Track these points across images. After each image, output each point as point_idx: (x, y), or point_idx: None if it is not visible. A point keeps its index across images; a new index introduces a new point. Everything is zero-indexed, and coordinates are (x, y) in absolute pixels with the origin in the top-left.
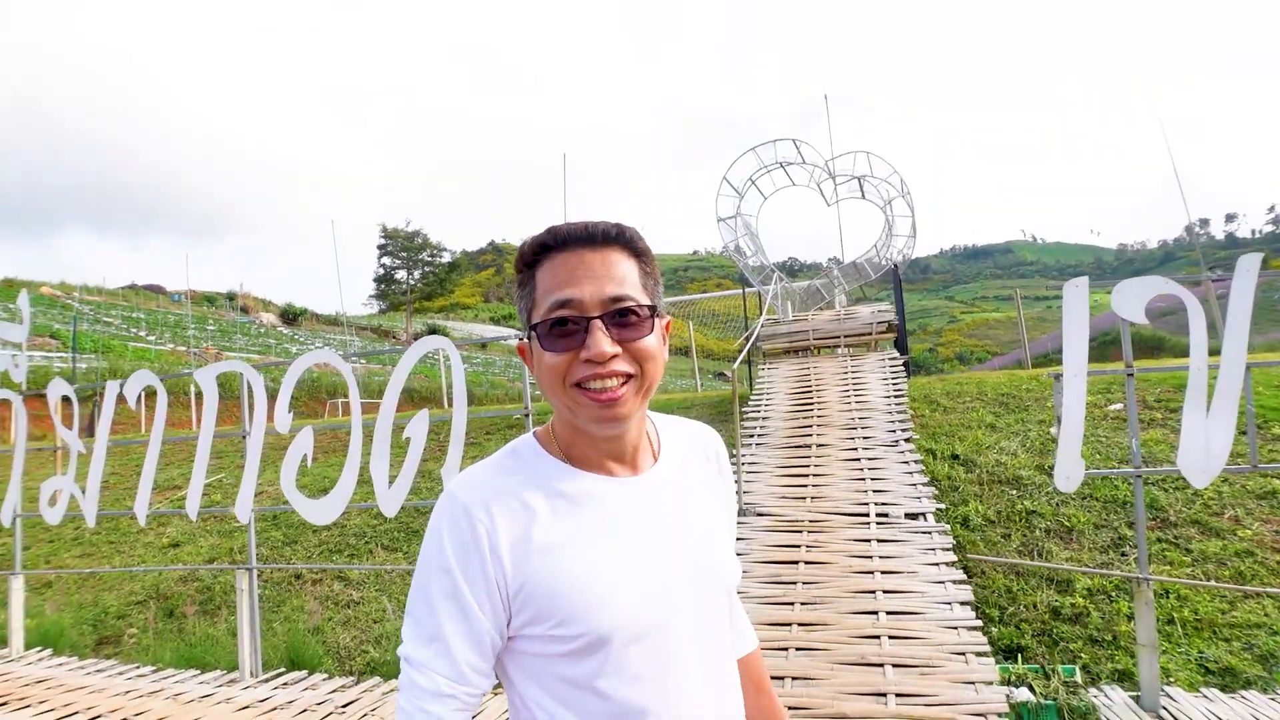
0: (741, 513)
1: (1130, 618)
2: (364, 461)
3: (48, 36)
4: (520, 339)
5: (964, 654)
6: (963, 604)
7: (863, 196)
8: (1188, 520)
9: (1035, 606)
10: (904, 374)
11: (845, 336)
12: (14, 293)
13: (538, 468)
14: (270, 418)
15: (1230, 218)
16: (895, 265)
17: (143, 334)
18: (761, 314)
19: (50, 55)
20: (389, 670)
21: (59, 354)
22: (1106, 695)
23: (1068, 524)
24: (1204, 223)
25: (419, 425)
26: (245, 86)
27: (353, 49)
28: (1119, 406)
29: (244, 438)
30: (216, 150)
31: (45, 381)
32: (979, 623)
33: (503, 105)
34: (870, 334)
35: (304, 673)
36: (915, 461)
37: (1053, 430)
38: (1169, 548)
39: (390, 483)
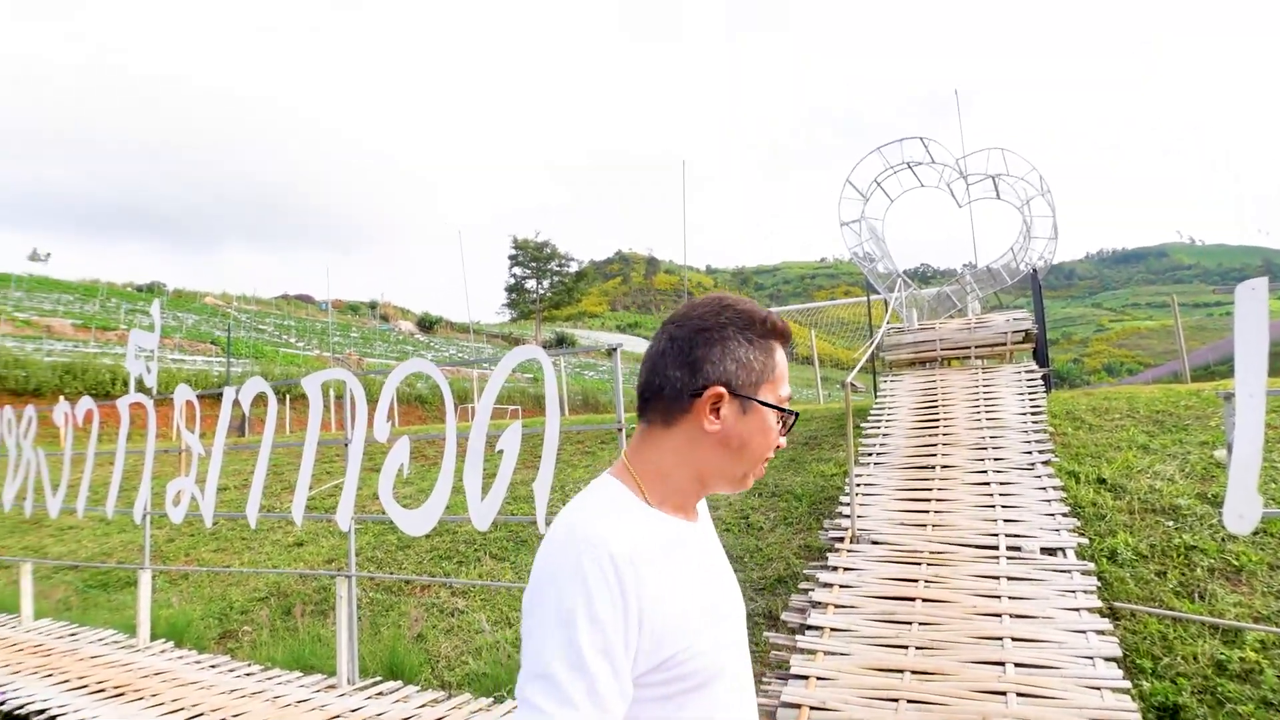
0: (854, 540)
1: None
2: (459, 470)
3: (196, 64)
4: (712, 384)
5: None
6: (1107, 659)
7: (998, 197)
8: None
9: (1196, 659)
10: (1043, 388)
11: (977, 346)
12: (184, 302)
13: (643, 513)
14: (371, 423)
15: None
16: (1034, 270)
17: (293, 340)
18: (885, 321)
19: (190, 84)
20: (482, 686)
21: (218, 359)
22: None
23: (1236, 563)
24: None
25: (512, 437)
26: (382, 104)
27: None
28: None
29: (346, 445)
30: (358, 165)
31: (207, 385)
32: (1127, 684)
33: (617, 110)
34: (1005, 344)
35: (399, 683)
36: (1055, 488)
37: (1217, 454)
38: None
39: (483, 496)
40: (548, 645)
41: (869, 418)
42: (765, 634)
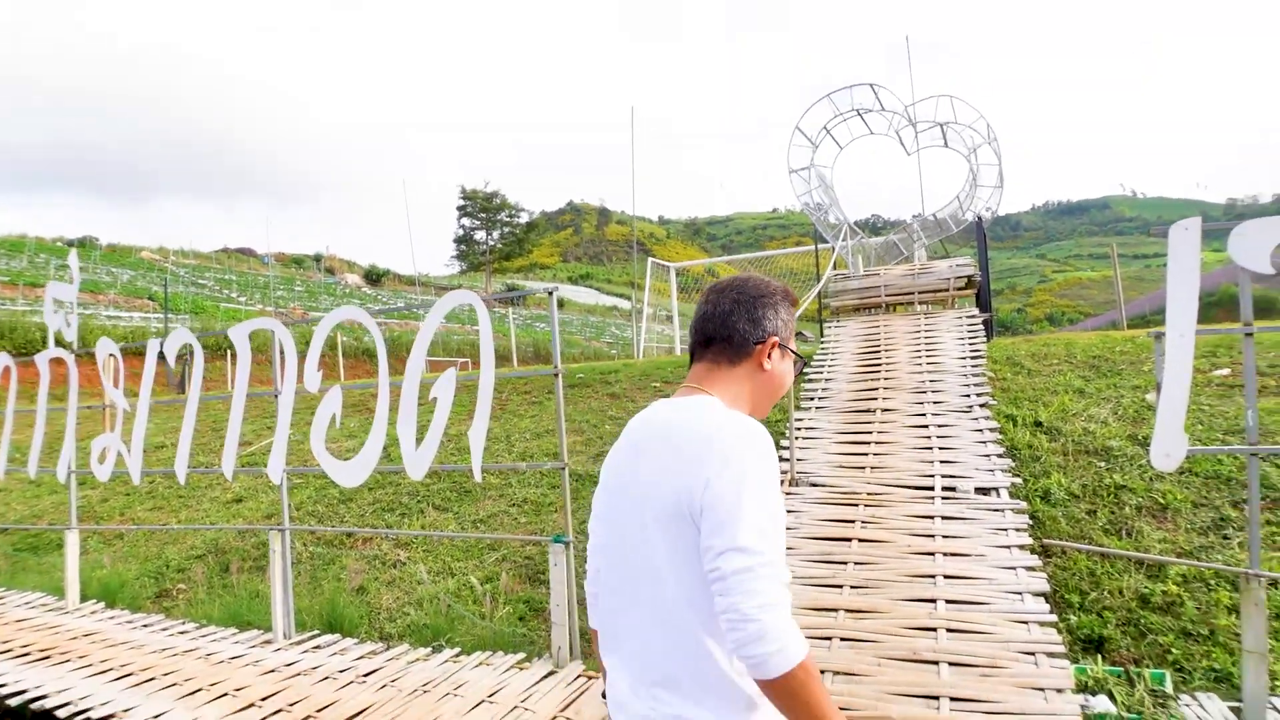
0: (794, 482)
1: (1231, 610)
2: (394, 421)
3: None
4: (769, 336)
5: (1034, 654)
6: (1036, 594)
7: (945, 145)
8: None
9: (1121, 593)
10: (983, 334)
11: (920, 293)
12: (119, 257)
13: None
14: (300, 377)
15: None
16: (979, 217)
17: (234, 295)
18: (830, 267)
19: (136, 21)
20: (422, 637)
21: (156, 315)
22: (1201, 706)
23: (1162, 501)
24: None
25: (446, 386)
26: (333, 59)
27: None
28: (1225, 372)
29: (275, 397)
30: (303, 116)
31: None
32: (1054, 618)
33: (570, 55)
34: (948, 290)
35: (337, 636)
36: (991, 430)
37: (1149, 397)
38: (1274, 515)
39: (417, 445)
40: (752, 502)
41: (813, 363)
42: None
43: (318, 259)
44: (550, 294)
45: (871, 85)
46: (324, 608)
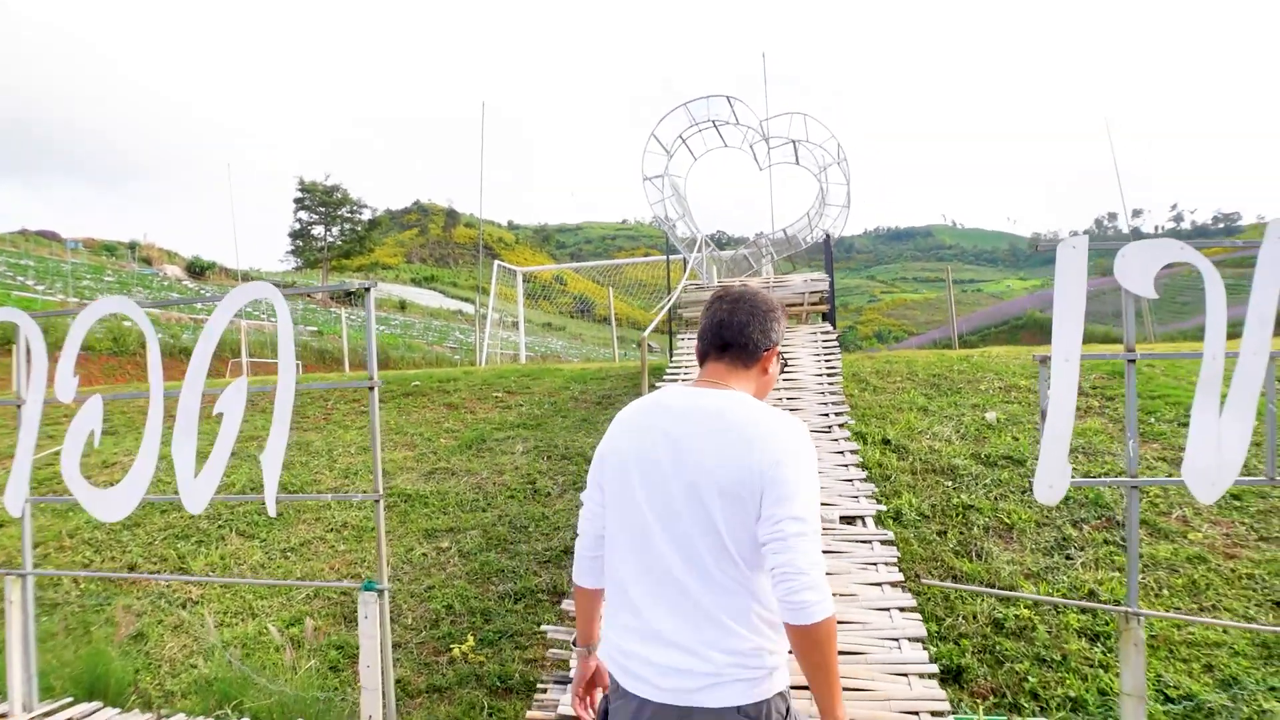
0: None
1: (1081, 634)
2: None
3: None
4: (774, 345)
5: (917, 714)
6: (913, 640)
7: (797, 162)
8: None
9: (976, 618)
10: (838, 350)
11: None
12: None
13: None
14: (51, 381)
15: (1136, 213)
16: (827, 235)
17: (30, 283)
18: (684, 278)
19: None
20: (211, 695)
21: None
22: None
23: (1008, 521)
24: (1112, 216)
25: (234, 399)
26: (157, 31)
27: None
28: (993, 416)
29: (18, 407)
30: (131, 92)
31: None
32: (934, 668)
33: (424, 54)
34: (802, 304)
35: (96, 704)
36: (852, 452)
37: (988, 416)
38: (1116, 550)
39: (196, 471)
40: (806, 480)
41: (664, 376)
42: (544, 627)
43: (133, 247)
44: (366, 290)
45: (728, 98)
46: (83, 665)
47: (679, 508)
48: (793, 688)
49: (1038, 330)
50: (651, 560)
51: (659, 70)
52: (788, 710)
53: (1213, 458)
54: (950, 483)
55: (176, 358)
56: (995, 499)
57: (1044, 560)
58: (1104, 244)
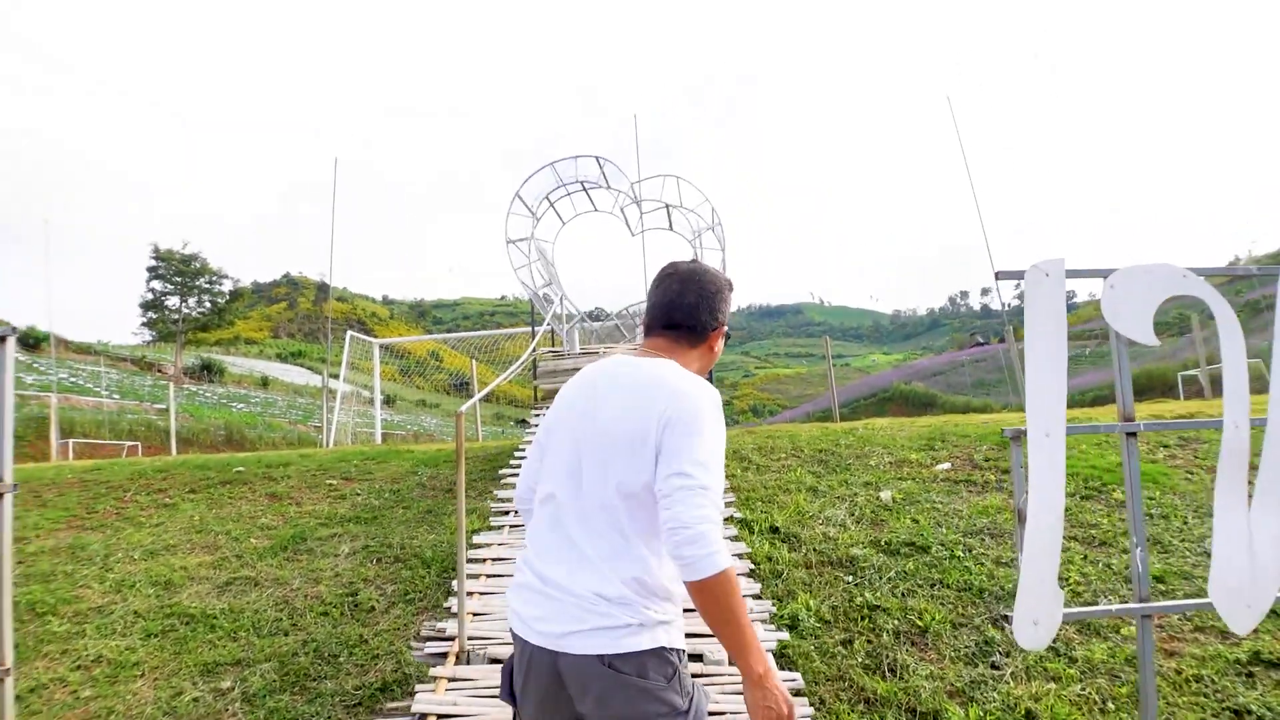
0: (461, 658)
1: None
2: None
3: None
4: (721, 325)
5: None
6: None
7: (670, 228)
8: None
9: None
10: None
11: None
12: None
13: None
14: None
15: (985, 291)
16: None
17: None
18: (533, 345)
19: None
20: None
21: None
22: None
23: (920, 623)
24: (964, 294)
25: None
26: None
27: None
28: (947, 466)
29: None
30: None
31: None
32: None
33: (294, 121)
34: None
35: None
36: (740, 556)
37: (882, 495)
38: (1047, 656)
39: None
40: (706, 444)
41: (513, 461)
42: None
43: None
44: (2, 340)
45: (597, 158)
46: None
47: (585, 461)
48: None
49: (903, 401)
50: (555, 510)
51: (532, 133)
52: (674, 674)
53: (1245, 569)
54: (850, 577)
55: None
56: (903, 595)
57: (968, 672)
58: (879, 345)
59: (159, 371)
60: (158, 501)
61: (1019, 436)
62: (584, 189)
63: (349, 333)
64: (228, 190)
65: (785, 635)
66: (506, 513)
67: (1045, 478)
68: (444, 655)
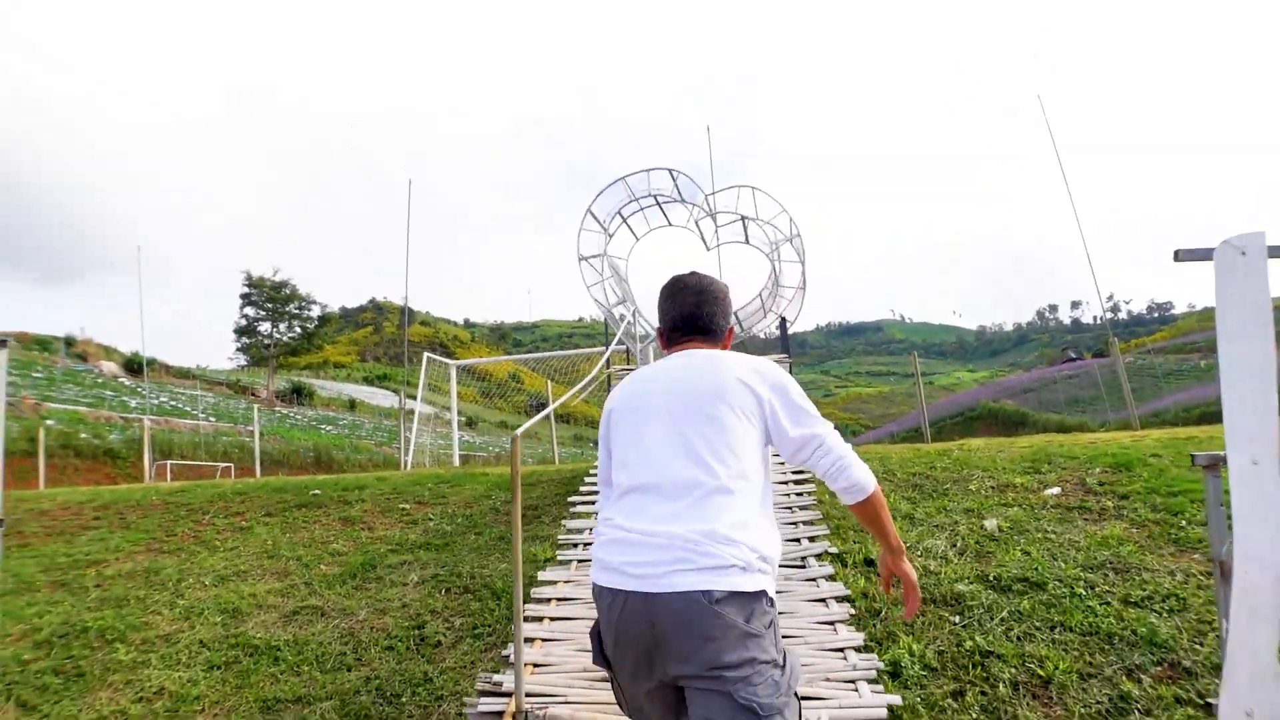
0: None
1: None
2: None
3: None
4: (732, 326)
5: None
6: None
7: (747, 241)
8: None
9: None
10: None
11: None
12: None
13: None
14: None
15: (1075, 304)
16: (783, 319)
17: None
18: (604, 360)
19: None
20: None
21: None
22: None
23: (1040, 672)
24: (1053, 308)
25: None
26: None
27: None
28: (1057, 491)
29: None
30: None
31: None
32: None
33: (387, 158)
34: None
35: None
36: (838, 599)
37: (987, 524)
38: (1195, 715)
39: None
40: (802, 397)
41: (583, 486)
42: None
43: (69, 343)
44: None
45: (670, 170)
46: None
47: (667, 434)
48: None
49: (992, 420)
50: (643, 490)
51: (607, 155)
52: (771, 624)
53: None
54: (957, 618)
55: (100, 459)
56: (1019, 639)
57: None
58: (964, 362)
59: (252, 395)
60: (234, 525)
61: (1215, 465)
62: (657, 203)
63: (425, 354)
64: (314, 218)
65: (897, 699)
66: (576, 544)
67: (1255, 519)
68: (499, 714)
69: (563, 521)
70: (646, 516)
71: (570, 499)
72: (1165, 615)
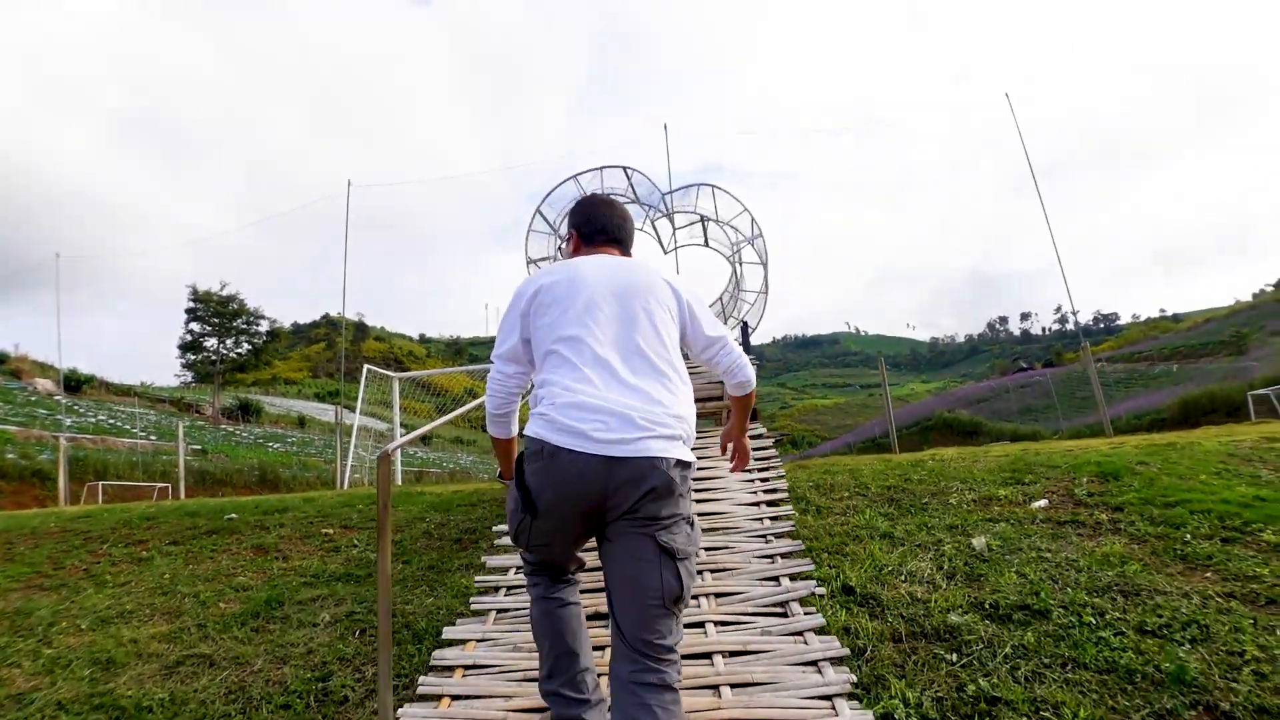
0: None
1: None
2: None
3: None
4: None
5: None
6: None
7: (706, 243)
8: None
9: None
10: (778, 464)
11: None
12: None
13: None
14: None
15: (1025, 316)
16: (744, 324)
17: None
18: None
19: None
20: None
21: None
22: None
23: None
24: (1003, 320)
25: None
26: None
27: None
28: (1044, 504)
29: None
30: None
31: None
32: None
33: (341, 161)
34: (723, 397)
35: None
36: (824, 645)
37: (974, 543)
38: None
39: None
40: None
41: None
42: None
43: (2, 359)
44: None
45: (625, 168)
46: None
47: (606, 315)
48: None
49: (947, 430)
50: (579, 348)
51: (558, 154)
52: (689, 487)
53: None
54: (954, 655)
55: (28, 481)
56: (1027, 681)
57: None
58: (917, 373)
59: (197, 412)
60: (132, 555)
61: None
62: None
63: (366, 366)
64: (268, 230)
65: None
66: (497, 589)
67: None
68: None
69: (484, 559)
70: (610, 388)
71: (498, 527)
72: (1189, 646)
